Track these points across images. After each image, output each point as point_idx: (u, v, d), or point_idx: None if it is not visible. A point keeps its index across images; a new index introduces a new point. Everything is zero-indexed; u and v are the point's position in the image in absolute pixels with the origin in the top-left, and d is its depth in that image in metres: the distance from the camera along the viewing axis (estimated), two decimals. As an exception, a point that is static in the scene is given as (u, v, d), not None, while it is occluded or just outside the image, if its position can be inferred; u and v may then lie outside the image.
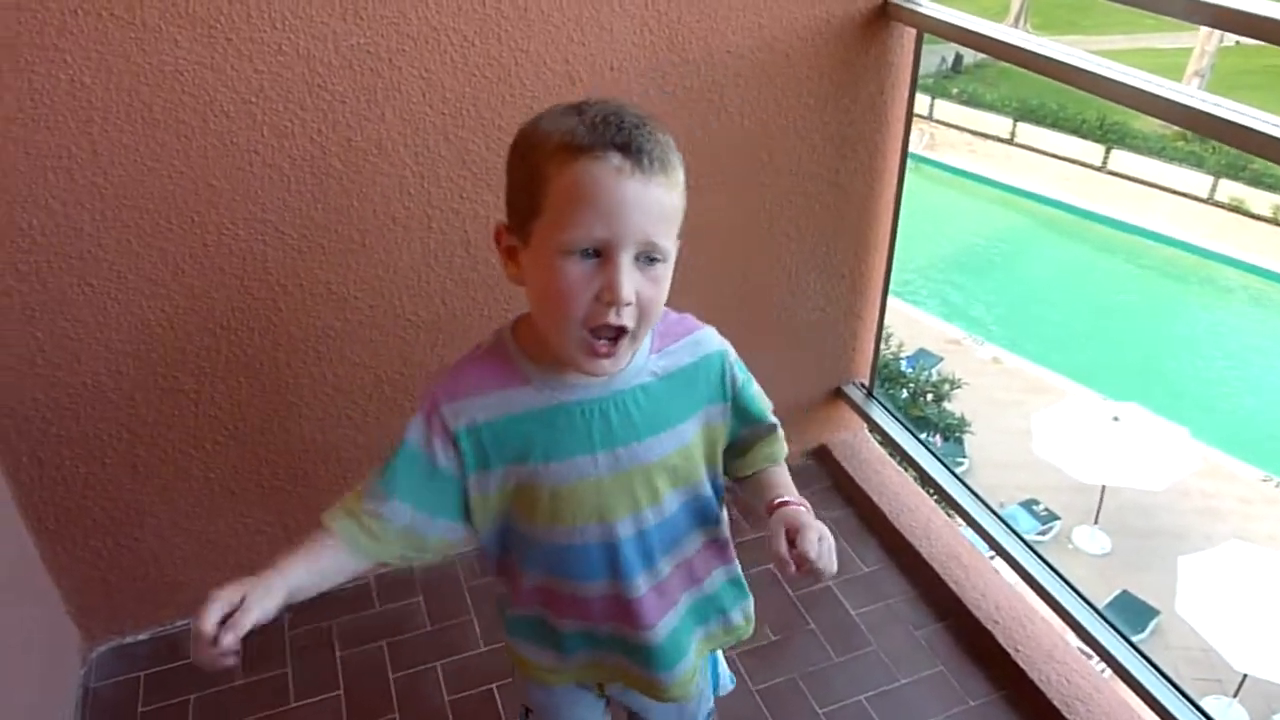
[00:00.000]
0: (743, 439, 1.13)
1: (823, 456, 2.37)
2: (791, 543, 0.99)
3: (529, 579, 1.10)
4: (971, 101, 17.57)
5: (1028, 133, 16.94)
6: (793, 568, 0.98)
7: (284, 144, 1.57)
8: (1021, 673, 1.77)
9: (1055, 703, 1.71)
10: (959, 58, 18.27)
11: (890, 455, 2.32)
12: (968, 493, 2.05)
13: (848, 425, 2.37)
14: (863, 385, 2.30)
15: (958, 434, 10.30)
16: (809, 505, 1.09)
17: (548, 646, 1.16)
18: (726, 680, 1.39)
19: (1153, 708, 1.61)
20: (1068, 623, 1.76)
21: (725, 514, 1.19)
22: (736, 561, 1.23)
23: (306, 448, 1.86)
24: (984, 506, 2.01)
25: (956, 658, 1.87)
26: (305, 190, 1.61)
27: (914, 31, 1.85)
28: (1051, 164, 16.54)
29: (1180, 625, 7.44)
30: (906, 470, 2.28)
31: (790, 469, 2.27)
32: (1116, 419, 9.03)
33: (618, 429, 1.00)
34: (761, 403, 1.15)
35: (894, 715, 1.76)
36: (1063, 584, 1.82)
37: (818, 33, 1.82)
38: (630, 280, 0.88)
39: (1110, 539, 9.31)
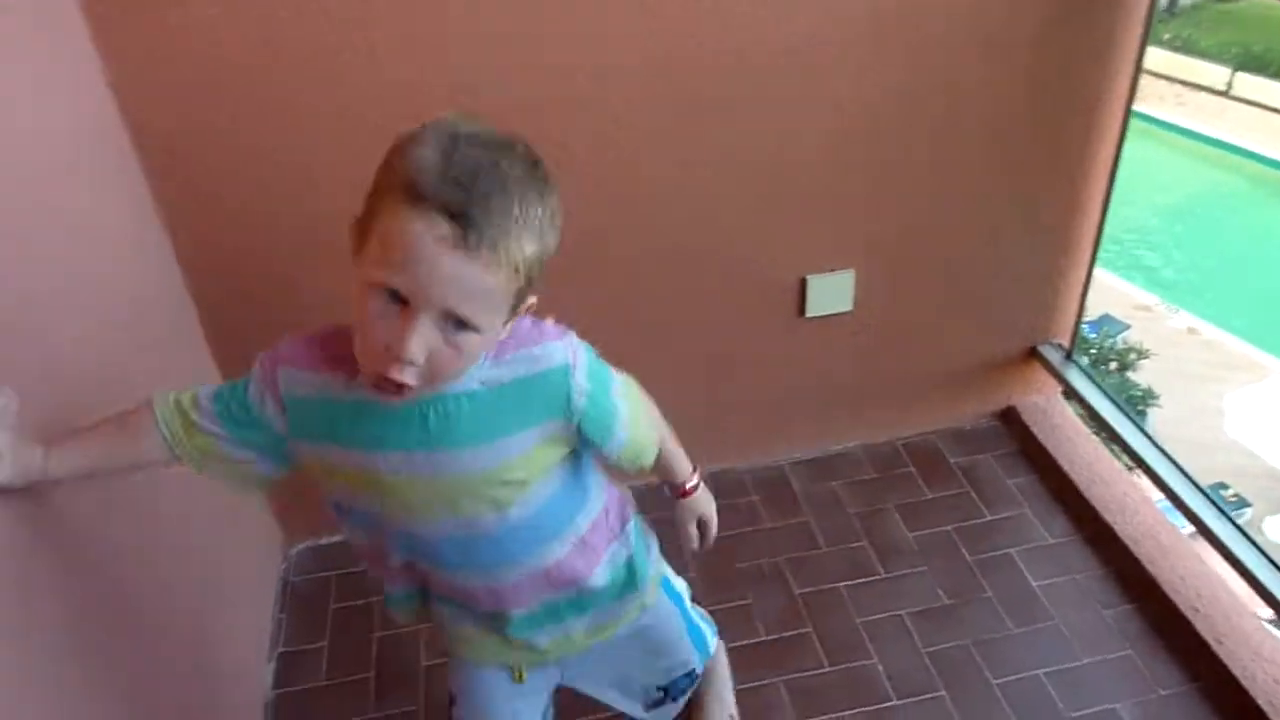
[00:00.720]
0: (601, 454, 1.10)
1: (1009, 419, 2.25)
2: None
3: (392, 558, 1.13)
4: (1185, 48, 16.09)
5: (1247, 84, 15.40)
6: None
7: (470, 65, 1.59)
8: (1224, 667, 1.64)
9: (1260, 703, 1.58)
10: (1174, -1, 16.74)
11: (1086, 424, 2.18)
12: (1170, 465, 1.90)
13: (1040, 388, 2.24)
14: (1062, 347, 2.16)
15: (1142, 407, 9.69)
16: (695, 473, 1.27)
17: (439, 604, 1.20)
18: (710, 637, 1.48)
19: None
20: (1272, 606, 1.62)
21: (604, 516, 1.18)
22: (617, 559, 1.20)
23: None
24: (1187, 480, 1.86)
25: (1148, 642, 1.76)
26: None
27: (1157, -41, 1.69)
28: (1273, 120, 15.00)
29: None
30: (1104, 441, 2.14)
31: (973, 431, 2.21)
32: (1329, 403, 8.25)
33: (435, 432, 0.96)
34: (619, 439, 1.07)
35: (1074, 695, 1.68)
36: (1269, 564, 1.67)
37: (1046, -39, 1.68)
38: (421, 340, 0.84)
39: (1308, 532, 8.59)
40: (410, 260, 0.81)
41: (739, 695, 1.66)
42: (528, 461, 1.01)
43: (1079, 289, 2.10)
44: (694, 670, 1.45)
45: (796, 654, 1.78)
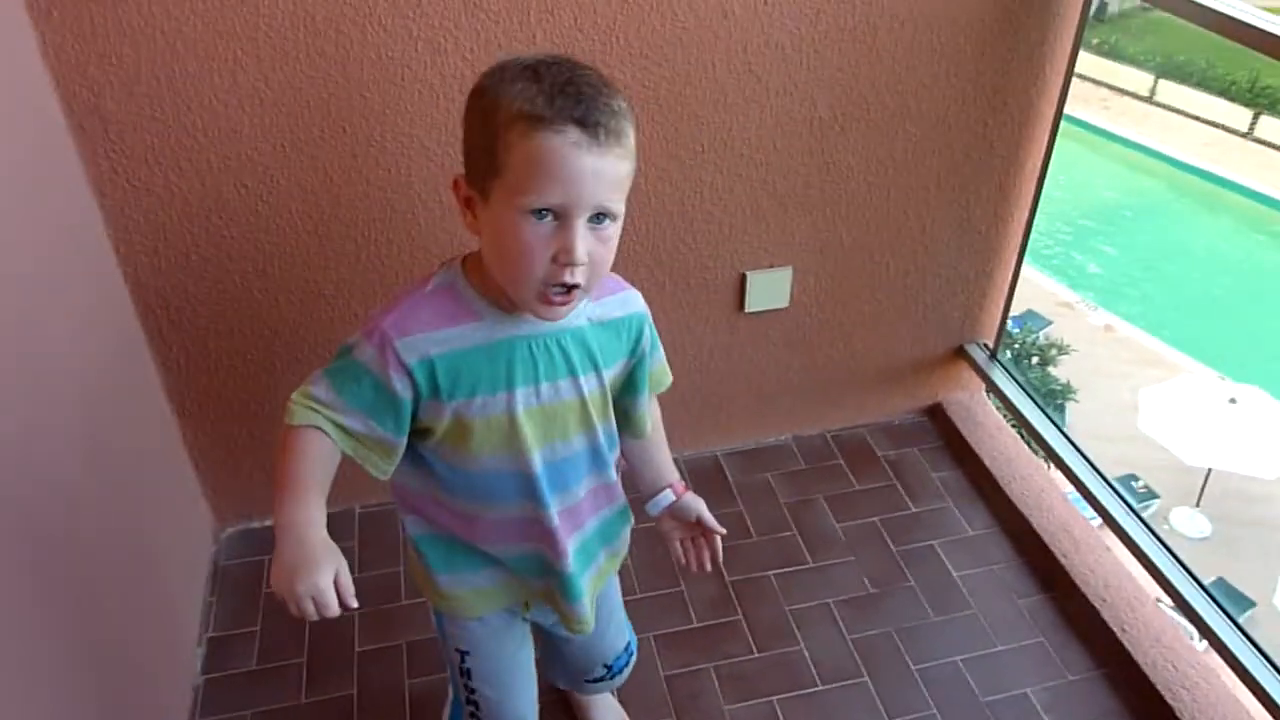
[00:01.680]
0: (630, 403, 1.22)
1: (936, 414, 2.33)
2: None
3: (452, 505, 1.16)
4: (1112, 53, 16.56)
5: (1169, 91, 15.92)
6: (694, 568, 1.29)
7: (436, 60, 1.58)
8: (1126, 653, 1.74)
9: (1159, 687, 1.68)
10: (1104, 5, 17.21)
11: (1007, 420, 2.27)
12: (1080, 458, 2.00)
13: (965, 385, 2.33)
14: (986, 346, 2.24)
15: (1061, 401, 9.99)
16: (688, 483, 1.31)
17: (471, 570, 1.22)
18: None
19: (1259, 696, 1.57)
20: (1170, 595, 1.72)
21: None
22: (623, 494, 1.28)
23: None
24: (1096, 473, 1.96)
25: (1058, 630, 1.85)
26: (453, 108, 1.63)
27: (1087, -21, 1.76)
28: (1192, 127, 15.55)
29: (1277, 618, 7.17)
30: (1022, 436, 2.23)
31: (900, 426, 2.29)
32: (1234, 401, 8.63)
33: (559, 362, 1.08)
34: (656, 379, 1.24)
35: (989, 680, 1.75)
36: (1169, 556, 1.77)
37: (983, -24, 1.74)
38: (584, 242, 0.95)
39: (1210, 524, 8.97)
40: (558, 174, 0.91)
41: (670, 679, 1.71)
42: (607, 394, 1.14)
43: (1004, 291, 2.18)
44: (630, 645, 1.49)
45: (727, 640, 1.83)
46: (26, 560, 1.19)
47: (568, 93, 0.91)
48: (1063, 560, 1.92)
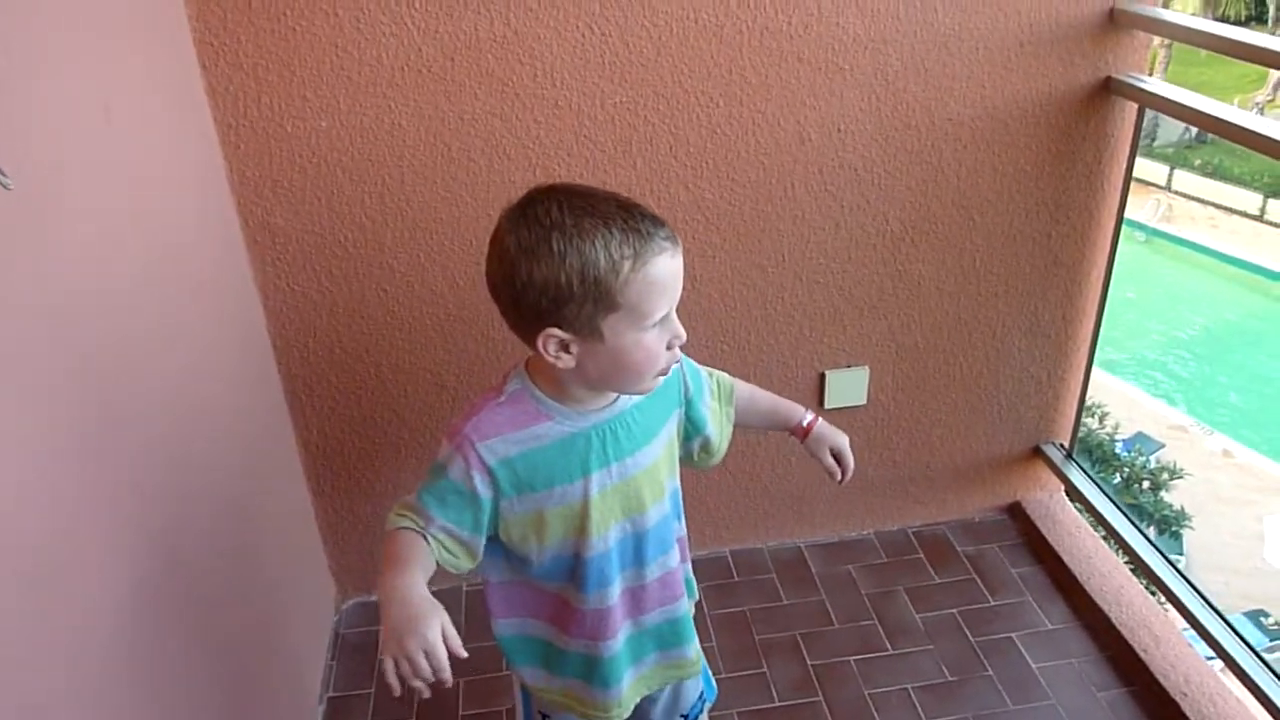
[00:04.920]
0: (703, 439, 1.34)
1: (1015, 513, 2.40)
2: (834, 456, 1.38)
3: (536, 597, 1.25)
4: (1216, 174, 16.40)
5: (1280, 210, 15.62)
6: (839, 476, 1.40)
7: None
8: (1207, 746, 1.75)
9: (1241, 781, 1.69)
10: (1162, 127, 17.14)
11: (1087, 520, 2.32)
12: (1160, 558, 2.04)
13: (1044, 485, 2.40)
14: (1062, 446, 2.33)
15: (1175, 528, 9.57)
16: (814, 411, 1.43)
17: (560, 671, 1.30)
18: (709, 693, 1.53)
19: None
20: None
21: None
22: (687, 603, 1.34)
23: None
24: (1174, 571, 1.99)
25: (1139, 724, 1.87)
26: (563, 223, 1.87)
27: (1135, 106, 1.92)
28: (1308, 246, 15.14)
29: None
30: (1104, 537, 2.28)
31: (980, 523, 2.38)
32: (1367, 530, 8.13)
33: (624, 442, 1.17)
34: (718, 394, 1.35)
35: (1067, 768, 1.79)
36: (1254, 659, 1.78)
37: (1038, 104, 1.92)
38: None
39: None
40: (666, 285, 1.05)
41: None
42: (671, 450, 1.26)
43: (1077, 391, 2.28)
44: (704, 695, 1.57)
45: (807, 720, 1.92)
46: (185, 615, 1.39)
47: (635, 216, 1.03)
48: (1143, 655, 1.95)
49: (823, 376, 2.15)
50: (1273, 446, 11.54)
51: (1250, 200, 15.95)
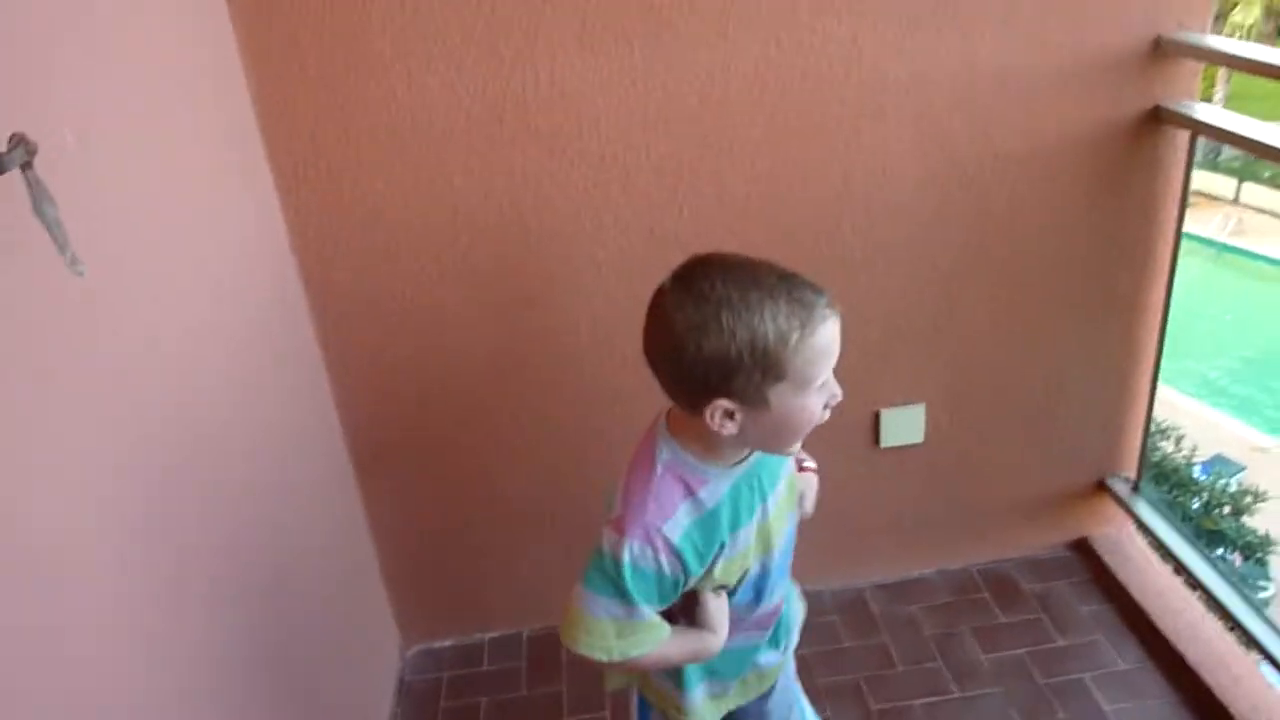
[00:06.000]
0: None
1: (1083, 549, 2.35)
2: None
3: (756, 610, 1.30)
4: (1289, 185, 15.91)
5: (1359, 221, 15.05)
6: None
7: (600, 235, 1.87)
8: (1293, 793, 1.69)
9: (1332, 830, 1.62)
10: (1218, 151, 16.67)
11: (1158, 555, 2.26)
12: (1241, 601, 1.97)
13: (1112, 520, 2.34)
14: (1128, 480, 2.27)
15: (1261, 554, 9.19)
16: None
17: (718, 680, 1.35)
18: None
19: None
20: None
21: None
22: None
23: (595, 494, 2.14)
24: (1250, 607, 1.93)
25: (1220, 768, 1.80)
26: (613, 275, 1.91)
27: (1187, 133, 1.89)
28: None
29: None
30: (1176, 572, 2.21)
31: (1047, 560, 2.34)
32: None
33: (766, 482, 1.23)
34: None
35: (1145, 816, 1.73)
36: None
37: (1087, 135, 1.91)
38: None
39: None
40: (830, 350, 1.08)
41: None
42: (791, 485, 1.33)
43: (1141, 422, 2.22)
44: None
45: (872, 765, 1.89)
46: (251, 662, 1.44)
47: (796, 285, 1.06)
48: (1221, 696, 1.88)
49: (877, 415, 2.13)
50: (1362, 466, 11.04)
51: (1326, 212, 15.43)
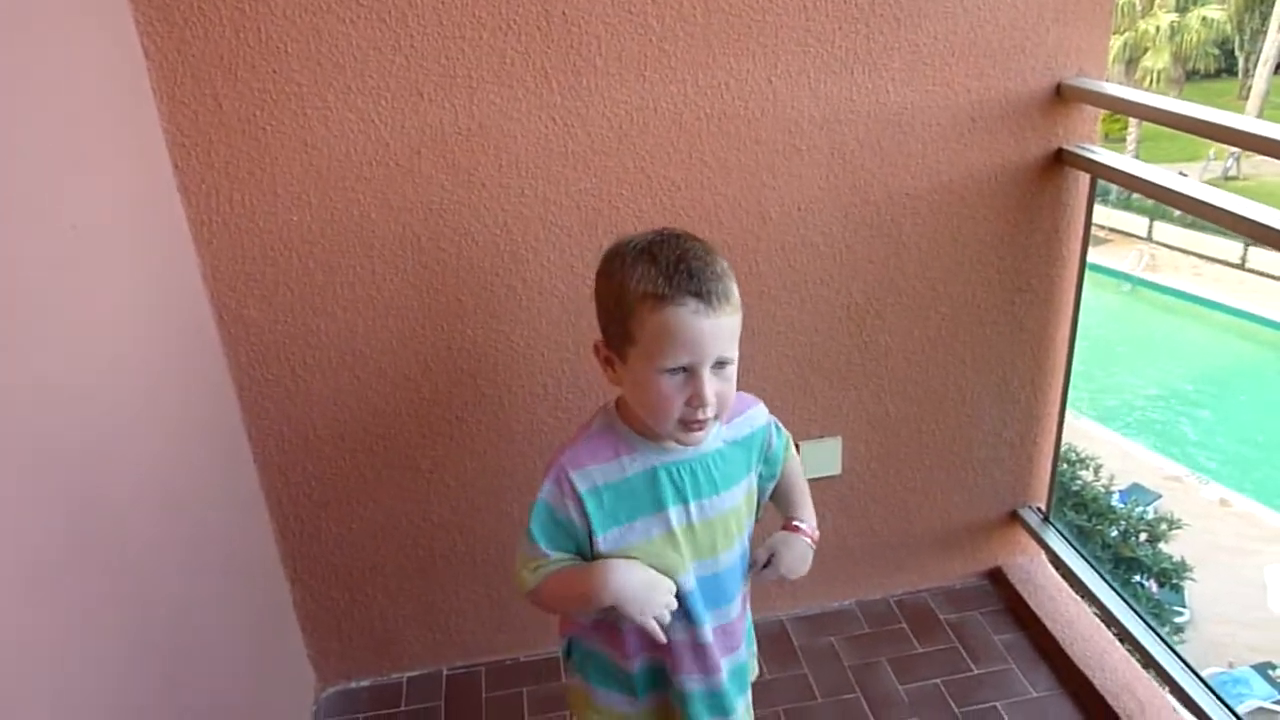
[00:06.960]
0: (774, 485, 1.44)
1: (997, 579, 2.40)
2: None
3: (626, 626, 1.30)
4: (1196, 225, 16.64)
5: (1261, 257, 15.80)
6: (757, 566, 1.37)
7: (518, 268, 1.88)
8: (1194, 815, 1.73)
9: None
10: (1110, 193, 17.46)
11: (1068, 582, 2.32)
12: (1139, 620, 2.03)
13: (1024, 549, 2.40)
14: (1039, 510, 2.33)
15: (1176, 580, 9.49)
16: (812, 527, 1.44)
17: (625, 691, 1.37)
18: None
19: None
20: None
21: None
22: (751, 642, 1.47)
23: (515, 528, 2.12)
24: (1155, 635, 1.98)
25: (1126, 793, 1.85)
26: (533, 307, 1.91)
27: (1088, 176, 1.97)
28: (1289, 290, 15.31)
29: None
30: (1083, 598, 2.27)
31: (962, 590, 2.38)
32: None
33: (703, 484, 1.27)
34: (784, 447, 1.44)
35: (1055, 842, 1.76)
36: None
37: (994, 175, 1.98)
38: (710, 386, 1.16)
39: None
40: (684, 340, 1.12)
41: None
42: (750, 501, 1.35)
43: (1050, 454, 2.29)
44: None
45: (791, 799, 1.89)
46: (158, 703, 1.39)
47: (681, 269, 1.12)
48: (1127, 721, 1.93)
49: (795, 447, 2.16)
50: (1270, 494, 11.51)
51: (1231, 249, 16.17)
